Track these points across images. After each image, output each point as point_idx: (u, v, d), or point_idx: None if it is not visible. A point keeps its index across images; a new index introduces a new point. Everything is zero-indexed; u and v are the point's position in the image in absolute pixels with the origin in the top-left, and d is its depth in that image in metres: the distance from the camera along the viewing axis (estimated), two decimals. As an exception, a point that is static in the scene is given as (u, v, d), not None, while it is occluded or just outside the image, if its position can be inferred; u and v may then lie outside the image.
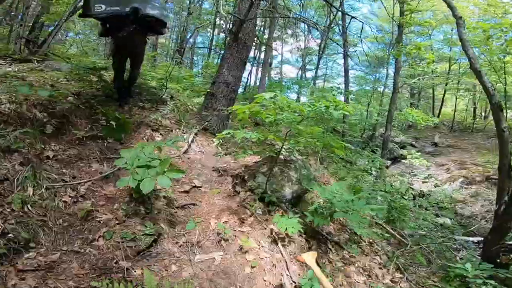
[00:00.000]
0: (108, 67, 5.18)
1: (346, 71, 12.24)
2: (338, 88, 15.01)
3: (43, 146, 2.93)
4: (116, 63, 4.17)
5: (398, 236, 4.34)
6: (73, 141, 3.28)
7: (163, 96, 5.39)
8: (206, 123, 5.13)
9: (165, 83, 5.50)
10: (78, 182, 2.79)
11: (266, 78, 9.29)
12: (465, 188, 11.91)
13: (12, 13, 8.45)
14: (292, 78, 19.57)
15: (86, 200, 2.64)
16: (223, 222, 2.87)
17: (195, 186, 3.42)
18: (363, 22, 5.59)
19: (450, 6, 4.69)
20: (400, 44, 8.73)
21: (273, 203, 3.30)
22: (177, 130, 4.58)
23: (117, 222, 2.47)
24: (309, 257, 2.34)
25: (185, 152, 4.09)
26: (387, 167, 15.59)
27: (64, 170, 2.86)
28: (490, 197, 11.10)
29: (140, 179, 2.49)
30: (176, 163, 3.68)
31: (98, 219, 2.46)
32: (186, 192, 3.29)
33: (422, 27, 10.18)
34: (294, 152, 3.99)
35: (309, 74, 20.79)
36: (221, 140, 4.73)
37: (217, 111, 5.26)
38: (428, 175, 11.58)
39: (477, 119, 18.85)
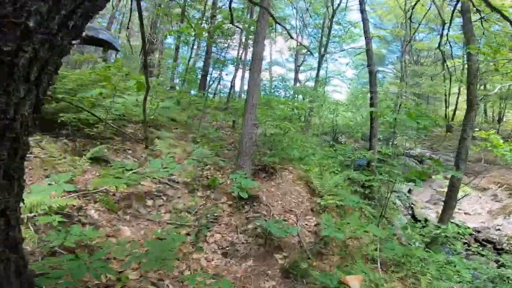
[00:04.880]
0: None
1: (372, 74, 8.79)
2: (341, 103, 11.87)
3: None
4: None
5: None
6: None
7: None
8: None
9: None
10: None
11: (258, 80, 5.46)
12: (527, 223, 9.25)
13: None
14: (280, 77, 15.44)
15: None
16: None
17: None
18: None
19: None
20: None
21: None
22: None
23: None
24: (355, 281, 2.39)
25: None
26: (409, 191, 12.60)
27: None
28: None
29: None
30: None
31: None
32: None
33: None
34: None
35: (302, 76, 17.26)
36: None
37: None
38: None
39: (488, 123, 16.79)
